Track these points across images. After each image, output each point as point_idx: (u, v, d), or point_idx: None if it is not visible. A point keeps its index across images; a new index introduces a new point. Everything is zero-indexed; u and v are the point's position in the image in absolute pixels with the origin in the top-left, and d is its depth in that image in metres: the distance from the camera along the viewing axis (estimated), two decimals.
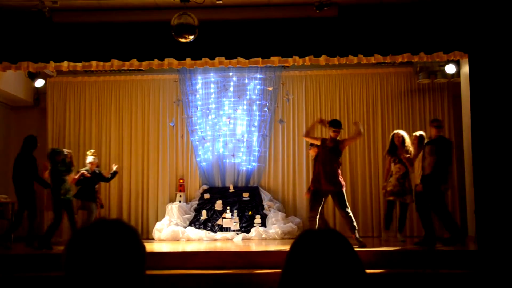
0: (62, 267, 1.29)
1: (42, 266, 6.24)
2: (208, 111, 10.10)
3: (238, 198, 9.57)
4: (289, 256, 1.35)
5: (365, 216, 9.56)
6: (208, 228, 9.12)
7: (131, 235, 1.34)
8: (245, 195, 9.62)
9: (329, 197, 7.49)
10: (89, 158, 8.42)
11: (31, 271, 6.14)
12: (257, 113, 10.03)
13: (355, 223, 7.19)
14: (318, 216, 7.11)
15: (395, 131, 8.15)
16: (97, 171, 8.50)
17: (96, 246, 1.28)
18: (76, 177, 8.18)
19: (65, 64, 7.21)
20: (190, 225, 9.20)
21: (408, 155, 7.73)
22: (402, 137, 7.88)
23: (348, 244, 1.35)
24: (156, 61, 7.15)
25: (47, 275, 5.80)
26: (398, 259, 6.36)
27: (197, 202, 9.68)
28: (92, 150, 8.72)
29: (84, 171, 8.27)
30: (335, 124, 7.30)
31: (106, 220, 1.36)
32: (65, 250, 1.31)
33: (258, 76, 10.04)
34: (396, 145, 7.86)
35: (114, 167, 8.67)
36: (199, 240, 8.77)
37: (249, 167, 9.99)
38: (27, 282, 5.83)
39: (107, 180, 8.77)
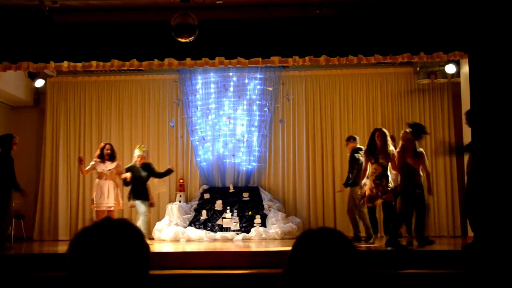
0: (66, 266, 1.29)
1: (42, 266, 6.24)
2: (208, 111, 10.10)
3: (238, 198, 9.57)
4: (290, 256, 1.35)
5: None
6: (208, 228, 9.12)
7: (136, 235, 1.34)
8: (245, 195, 9.62)
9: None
10: (136, 152, 8.05)
11: (31, 271, 6.14)
12: (257, 113, 10.03)
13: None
14: None
15: (378, 128, 7.60)
16: (146, 166, 8.06)
17: (100, 246, 1.27)
18: (123, 176, 7.87)
19: (65, 64, 7.21)
20: (190, 225, 9.20)
21: (390, 156, 7.22)
22: (385, 135, 7.28)
23: (350, 243, 1.35)
24: (156, 61, 7.15)
25: (48, 275, 5.80)
26: (397, 259, 6.36)
27: (197, 202, 9.67)
28: (140, 144, 8.37)
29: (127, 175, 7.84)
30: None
31: (111, 220, 1.36)
32: (69, 249, 1.31)
33: (258, 76, 10.04)
34: (377, 144, 7.26)
35: (169, 167, 8.45)
36: (199, 240, 8.77)
37: (249, 167, 9.99)
38: (27, 282, 5.82)
39: (159, 175, 8.31)
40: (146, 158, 8.22)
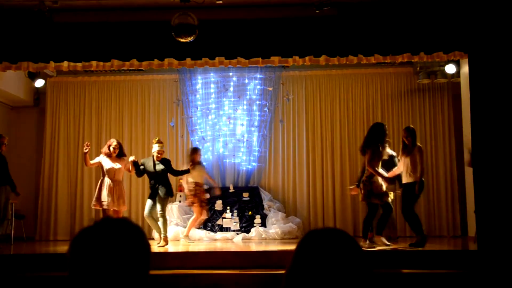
0: (67, 266, 1.29)
1: (42, 266, 6.24)
2: (208, 111, 10.10)
3: (238, 198, 9.56)
4: (295, 256, 1.34)
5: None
6: (208, 228, 9.12)
7: (137, 234, 1.33)
8: (245, 195, 9.62)
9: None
10: (155, 147, 7.72)
11: (31, 271, 6.14)
12: (257, 113, 10.04)
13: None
14: None
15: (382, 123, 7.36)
16: (165, 161, 7.75)
17: (101, 245, 1.27)
18: (130, 167, 7.69)
19: (65, 64, 7.20)
20: None
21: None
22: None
23: (355, 243, 1.34)
24: (156, 61, 7.14)
25: (47, 275, 5.80)
26: (397, 259, 6.36)
27: None
28: (157, 138, 8.02)
29: (133, 159, 7.65)
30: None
31: (112, 219, 1.35)
32: (69, 249, 1.31)
33: (258, 76, 10.05)
34: (385, 137, 7.01)
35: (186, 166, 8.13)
36: (199, 240, 8.77)
37: (249, 167, 9.99)
38: (27, 282, 5.82)
39: (176, 173, 8.01)
40: (163, 152, 7.91)
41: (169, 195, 7.73)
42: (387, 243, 6.94)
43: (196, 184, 8.23)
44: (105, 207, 7.50)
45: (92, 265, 1.26)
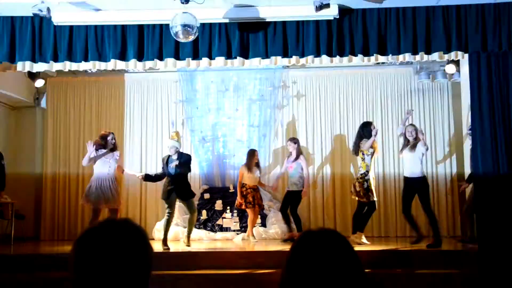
0: (69, 266, 1.30)
1: (42, 266, 6.24)
2: (208, 111, 10.10)
3: None
4: (289, 256, 1.36)
5: None
6: (208, 228, 9.12)
7: (139, 236, 1.34)
8: None
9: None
10: (170, 143, 7.44)
11: (31, 271, 6.14)
12: (257, 113, 10.03)
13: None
14: None
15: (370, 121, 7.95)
16: (184, 158, 7.40)
17: (104, 246, 1.28)
18: (139, 175, 7.54)
19: (65, 64, 7.19)
20: None
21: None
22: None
23: (348, 244, 1.35)
24: (156, 61, 7.13)
25: (48, 275, 5.80)
26: (397, 259, 6.36)
27: (197, 202, 9.66)
28: (175, 132, 7.64)
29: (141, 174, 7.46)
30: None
31: (115, 220, 1.36)
32: (73, 250, 1.31)
33: (258, 76, 10.04)
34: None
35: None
36: (199, 240, 8.77)
37: None
38: (27, 282, 5.82)
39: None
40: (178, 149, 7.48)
41: (184, 198, 7.43)
42: (366, 242, 7.24)
43: (243, 185, 8.32)
44: (97, 206, 7.28)
45: (94, 265, 1.26)
